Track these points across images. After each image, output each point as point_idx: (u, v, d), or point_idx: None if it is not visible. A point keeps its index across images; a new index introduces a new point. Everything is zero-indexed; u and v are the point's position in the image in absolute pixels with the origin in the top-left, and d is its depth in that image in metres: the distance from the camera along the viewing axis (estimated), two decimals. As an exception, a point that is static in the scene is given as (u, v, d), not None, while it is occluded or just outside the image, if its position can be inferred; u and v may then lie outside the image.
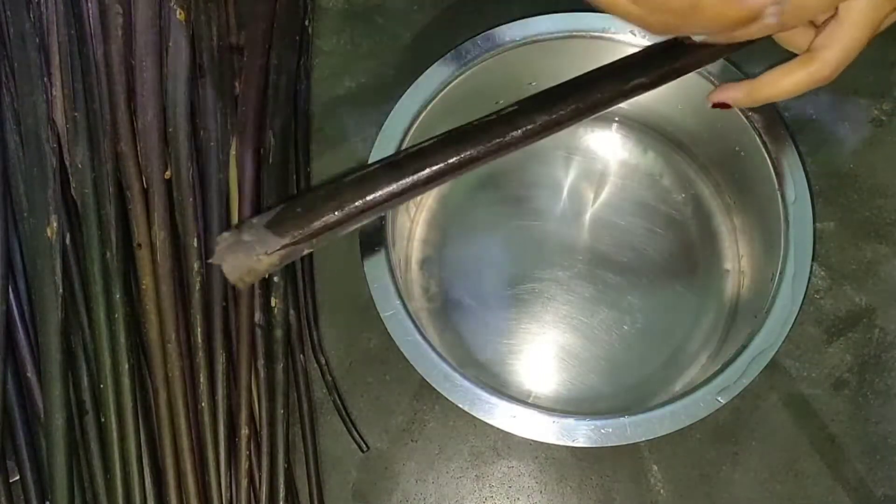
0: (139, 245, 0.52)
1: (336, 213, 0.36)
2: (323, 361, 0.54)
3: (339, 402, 0.54)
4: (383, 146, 0.50)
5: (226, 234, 0.36)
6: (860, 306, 0.55)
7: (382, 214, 0.41)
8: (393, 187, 0.36)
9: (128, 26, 0.54)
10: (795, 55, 0.38)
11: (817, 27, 0.37)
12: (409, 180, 0.36)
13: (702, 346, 0.54)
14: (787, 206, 0.48)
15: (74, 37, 0.54)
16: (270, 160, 0.55)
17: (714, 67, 0.50)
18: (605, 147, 0.58)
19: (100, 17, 0.54)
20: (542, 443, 0.45)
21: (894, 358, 0.54)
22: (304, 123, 0.58)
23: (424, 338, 0.47)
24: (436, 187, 0.38)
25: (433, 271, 0.56)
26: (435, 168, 0.36)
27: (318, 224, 0.36)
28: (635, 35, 0.51)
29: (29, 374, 0.50)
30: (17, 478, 0.49)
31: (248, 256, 0.36)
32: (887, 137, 0.58)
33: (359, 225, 0.37)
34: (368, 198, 0.36)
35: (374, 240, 0.48)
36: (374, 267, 0.48)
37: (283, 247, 0.36)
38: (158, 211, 0.52)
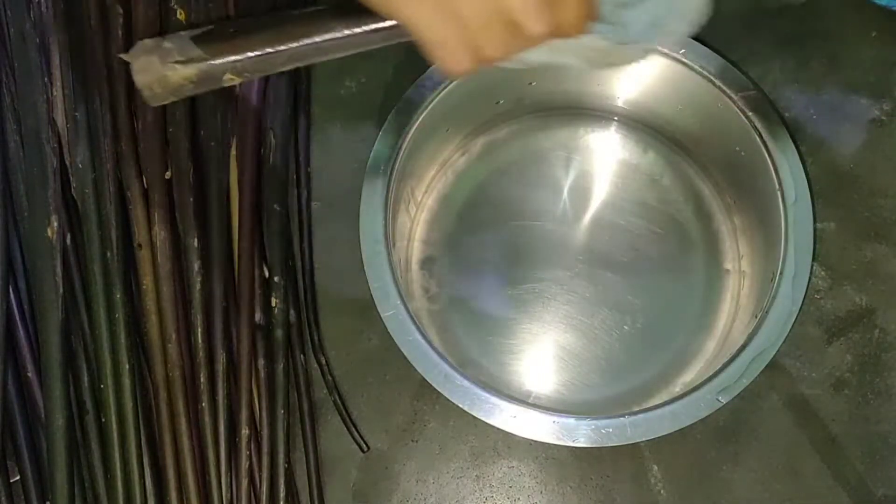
0: (139, 245, 0.52)
1: (270, 41, 0.33)
2: (323, 361, 0.54)
3: (339, 402, 0.54)
4: (383, 146, 0.50)
5: (148, 40, 0.34)
6: (860, 306, 0.55)
7: (321, 59, 0.37)
8: (340, 32, 0.34)
9: (128, 26, 0.54)
10: None
11: None
12: (358, 30, 0.34)
13: (702, 346, 0.54)
14: (787, 206, 0.48)
15: (74, 37, 0.54)
16: (270, 160, 0.55)
17: (715, 67, 0.50)
18: (605, 147, 0.58)
19: (100, 17, 0.54)
20: (542, 443, 0.45)
21: (894, 358, 0.54)
22: (304, 123, 0.58)
23: (425, 338, 0.47)
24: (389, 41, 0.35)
25: (433, 271, 0.56)
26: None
27: (246, 46, 0.33)
28: (635, 35, 0.51)
29: (29, 374, 0.50)
30: (18, 478, 0.49)
31: (163, 62, 0.34)
32: (887, 137, 0.58)
33: (293, 64, 0.34)
34: (308, 41, 0.33)
35: (375, 240, 0.48)
36: (374, 267, 0.48)
37: (202, 59, 0.33)
38: (158, 211, 0.52)
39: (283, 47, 0.34)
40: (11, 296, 0.51)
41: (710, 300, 0.55)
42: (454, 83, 0.51)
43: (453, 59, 0.34)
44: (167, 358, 0.50)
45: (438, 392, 0.46)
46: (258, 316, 0.52)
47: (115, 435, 0.49)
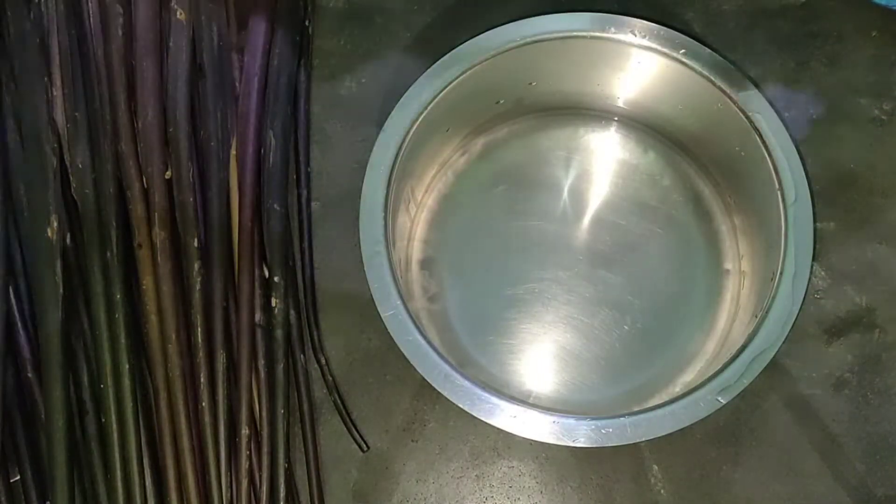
0: (139, 245, 0.52)
1: None
2: (323, 361, 0.54)
3: (339, 402, 0.54)
4: (383, 146, 0.50)
5: None
6: (860, 306, 0.55)
7: None
8: None
9: (128, 26, 0.54)
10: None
11: None
12: None
13: (702, 346, 0.54)
14: (787, 206, 0.48)
15: (74, 37, 0.54)
16: (270, 160, 0.55)
17: (715, 67, 0.50)
18: (605, 147, 0.58)
19: (100, 17, 0.54)
20: (542, 443, 0.45)
21: (894, 358, 0.54)
22: (304, 123, 0.58)
23: (425, 338, 0.47)
24: None
25: (433, 271, 0.56)
26: None
27: None
28: (635, 35, 0.51)
29: (29, 374, 0.50)
30: (18, 478, 0.49)
31: None
32: (887, 137, 0.58)
33: None
34: None
35: (375, 240, 0.48)
36: (374, 267, 0.48)
37: None
38: (159, 211, 0.52)
39: None
40: (11, 296, 0.51)
41: (710, 300, 0.55)
42: (454, 83, 0.51)
43: None
44: (167, 358, 0.50)
45: (438, 392, 0.46)
46: (258, 316, 0.52)
47: (115, 435, 0.49)
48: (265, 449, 0.50)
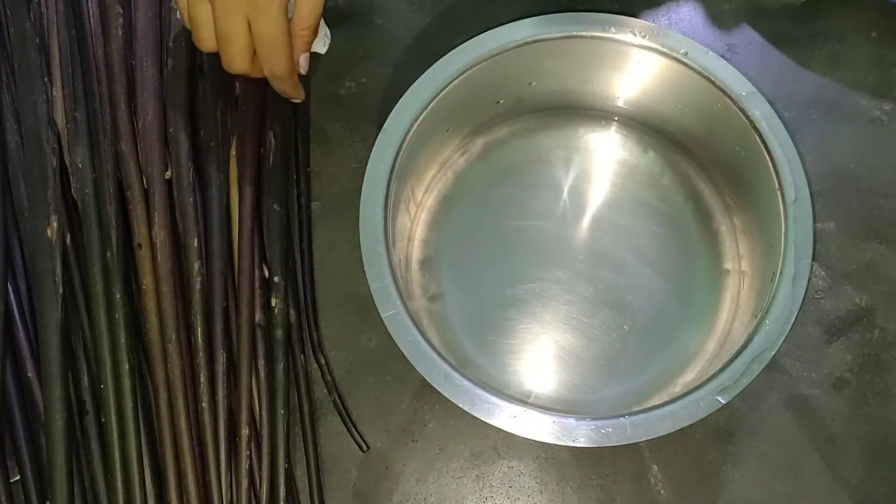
0: (139, 245, 0.52)
1: None
2: (323, 361, 0.54)
3: (339, 402, 0.54)
4: (383, 146, 0.50)
5: None
6: (860, 306, 0.55)
7: None
8: None
9: (128, 26, 0.54)
10: None
11: None
12: None
13: (702, 346, 0.54)
14: (787, 206, 0.48)
15: (74, 37, 0.54)
16: (270, 160, 0.55)
17: (715, 67, 0.50)
18: (605, 147, 0.58)
19: (100, 17, 0.54)
20: (542, 443, 0.45)
21: (894, 358, 0.54)
22: (304, 123, 0.58)
23: (425, 338, 0.47)
24: None
25: (433, 271, 0.56)
26: None
27: None
28: (635, 35, 0.51)
29: (29, 374, 0.50)
30: (18, 478, 0.49)
31: None
32: (887, 137, 0.58)
33: None
34: None
35: (375, 240, 0.48)
36: (375, 267, 0.48)
37: None
38: (159, 211, 0.52)
39: None
40: (11, 296, 0.51)
41: (710, 300, 0.55)
42: (453, 83, 0.51)
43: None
44: (167, 358, 0.50)
45: (438, 392, 0.46)
46: (258, 316, 0.52)
47: (115, 435, 0.49)
48: (265, 449, 0.50)
